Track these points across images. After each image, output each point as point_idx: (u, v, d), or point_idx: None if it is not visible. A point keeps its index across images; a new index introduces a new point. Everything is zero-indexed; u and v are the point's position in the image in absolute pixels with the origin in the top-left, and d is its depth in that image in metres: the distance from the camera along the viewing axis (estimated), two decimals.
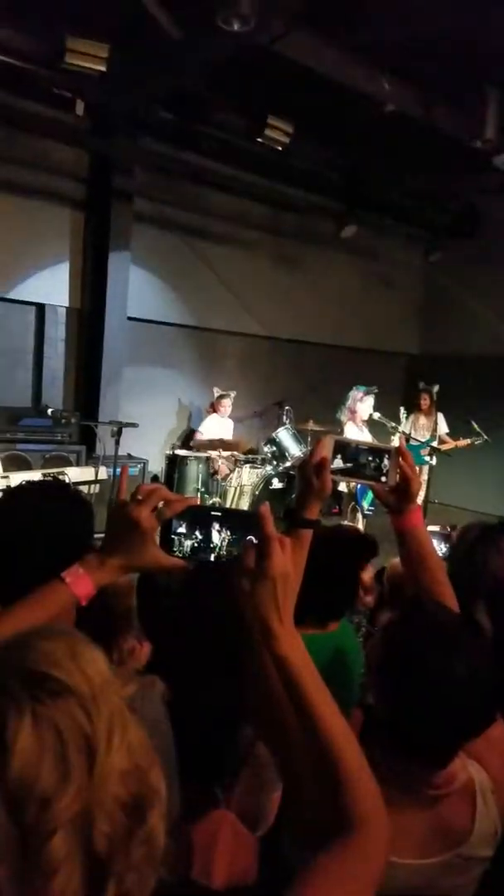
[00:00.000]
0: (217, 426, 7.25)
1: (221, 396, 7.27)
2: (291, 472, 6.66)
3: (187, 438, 7.68)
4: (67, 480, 4.01)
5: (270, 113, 6.09)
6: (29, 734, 0.56)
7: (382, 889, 0.85)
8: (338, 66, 5.38)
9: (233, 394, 7.32)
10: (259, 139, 6.15)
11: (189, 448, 7.11)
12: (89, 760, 0.58)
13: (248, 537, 1.00)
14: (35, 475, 3.94)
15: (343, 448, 1.39)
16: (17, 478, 3.74)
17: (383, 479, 1.39)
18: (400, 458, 1.38)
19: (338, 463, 1.38)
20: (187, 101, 5.86)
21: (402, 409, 7.48)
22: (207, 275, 7.68)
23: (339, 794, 0.86)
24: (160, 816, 0.63)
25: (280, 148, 6.28)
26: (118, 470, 5.06)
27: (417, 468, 1.45)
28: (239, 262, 7.96)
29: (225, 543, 1.05)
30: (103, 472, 4.38)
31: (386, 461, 1.39)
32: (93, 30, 4.88)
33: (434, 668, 1.10)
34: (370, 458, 1.40)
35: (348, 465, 1.40)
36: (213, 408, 7.36)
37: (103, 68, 4.89)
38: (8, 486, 3.59)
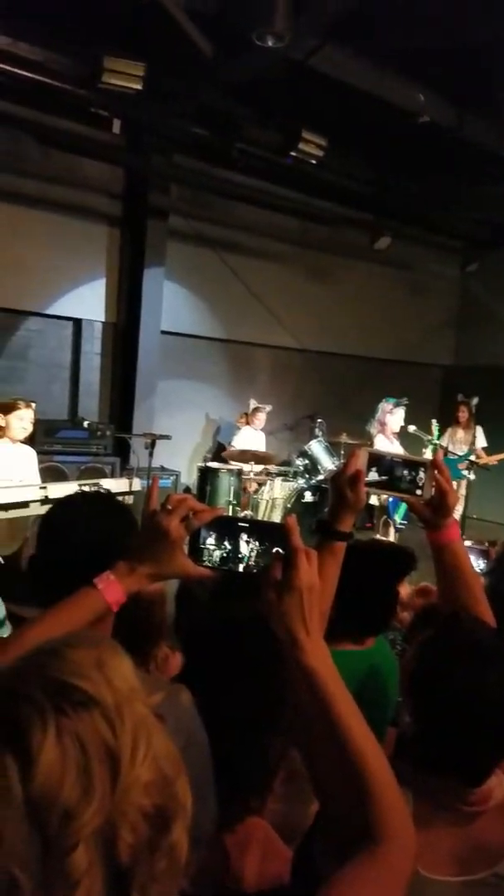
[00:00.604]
0: (250, 438, 7.26)
1: (257, 409, 7.27)
2: (324, 486, 6.62)
3: (219, 451, 7.71)
4: (103, 491, 4.06)
5: (304, 127, 6.14)
6: (52, 746, 0.56)
7: None
8: (372, 80, 5.40)
9: (268, 407, 7.32)
10: (293, 153, 6.20)
11: (221, 460, 7.12)
12: (113, 773, 0.58)
13: (276, 549, 0.99)
14: (71, 486, 4.00)
15: (377, 461, 1.37)
16: (55, 489, 3.80)
17: (418, 492, 1.36)
18: (435, 471, 1.35)
19: (372, 475, 1.36)
20: (221, 117, 5.94)
21: (434, 422, 7.37)
22: (240, 288, 7.73)
23: (364, 806, 0.85)
24: (184, 828, 0.62)
25: (314, 161, 6.32)
26: (164, 481, 5.12)
27: (455, 483, 1.42)
28: (272, 276, 8.01)
29: (253, 554, 1.04)
30: (137, 484, 4.43)
31: (421, 474, 1.37)
32: (129, 49, 5.00)
33: (470, 684, 1.08)
34: (405, 471, 1.38)
35: (383, 477, 1.38)
36: (247, 420, 7.35)
37: (139, 87, 5.01)
38: (45, 496, 3.66)
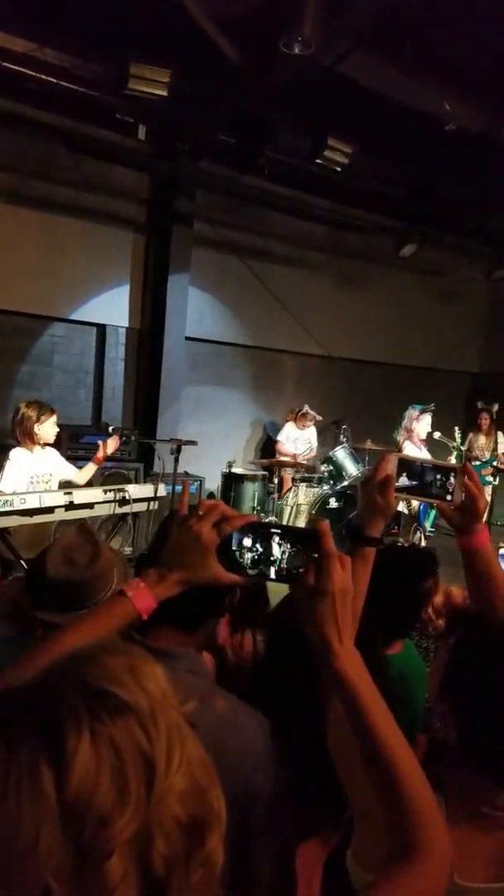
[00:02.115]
0: (294, 436, 7.35)
1: (305, 414, 7.33)
2: (348, 492, 6.58)
3: (258, 452, 7.76)
4: (128, 497, 4.07)
5: (330, 133, 6.15)
6: (87, 752, 0.55)
7: None
8: (399, 86, 5.39)
9: (319, 417, 7.40)
10: (318, 160, 6.21)
11: (252, 464, 7.18)
12: (148, 780, 0.57)
13: (308, 556, 0.99)
14: (96, 492, 4.02)
15: (408, 466, 1.37)
16: (80, 494, 3.82)
17: (448, 497, 1.36)
18: (465, 477, 1.35)
19: (403, 481, 1.36)
20: (248, 123, 5.97)
21: (456, 429, 7.30)
22: (266, 295, 7.74)
23: (400, 816, 0.85)
24: (219, 838, 0.61)
25: (339, 169, 6.32)
26: (178, 487, 5.12)
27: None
28: (299, 283, 8.01)
29: (285, 557, 1.04)
30: (162, 490, 4.43)
31: (451, 479, 1.37)
32: (155, 56, 5.05)
33: (500, 683, 1.07)
34: (436, 477, 1.38)
35: (413, 483, 1.38)
36: (295, 418, 7.41)
37: (165, 93, 5.06)
38: (70, 502, 3.67)
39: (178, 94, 5.22)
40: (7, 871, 0.52)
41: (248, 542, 1.05)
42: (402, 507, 5.78)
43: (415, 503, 5.70)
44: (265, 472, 6.95)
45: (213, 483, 7.39)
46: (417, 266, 8.54)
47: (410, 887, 0.82)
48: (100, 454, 4.25)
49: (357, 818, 0.99)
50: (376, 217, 7.96)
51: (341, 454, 6.78)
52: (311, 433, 7.46)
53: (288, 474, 6.86)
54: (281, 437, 7.40)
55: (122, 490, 4.09)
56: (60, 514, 3.67)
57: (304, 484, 6.74)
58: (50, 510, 3.63)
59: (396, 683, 1.74)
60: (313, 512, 6.55)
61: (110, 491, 4.04)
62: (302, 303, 7.97)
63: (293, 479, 6.83)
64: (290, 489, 6.74)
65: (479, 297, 9.68)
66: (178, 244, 6.93)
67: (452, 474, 1.37)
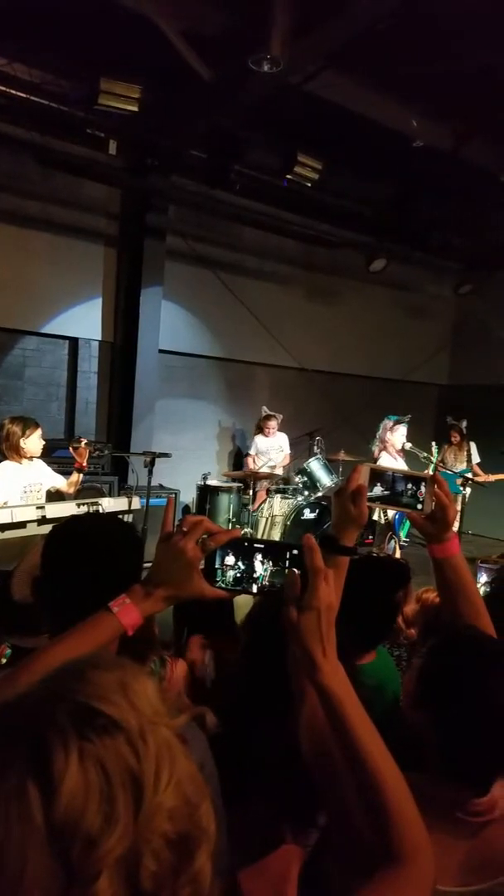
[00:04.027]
0: (268, 444, 7.31)
1: (268, 417, 7.28)
2: (323, 503, 6.62)
3: (232, 465, 7.74)
4: (101, 510, 4.04)
5: (300, 150, 6.24)
6: (75, 773, 0.55)
7: None
8: (368, 104, 5.51)
9: (280, 416, 7.34)
10: (289, 176, 6.30)
11: (227, 476, 7.15)
12: (136, 800, 0.56)
13: (293, 569, 1.00)
14: (69, 506, 3.98)
15: (379, 476, 1.39)
16: (53, 508, 3.78)
17: (419, 506, 1.38)
18: (435, 486, 1.37)
19: (376, 490, 1.38)
20: (219, 139, 6.03)
21: (433, 444, 7.43)
22: (240, 308, 7.79)
23: (385, 825, 0.86)
24: (208, 854, 0.61)
25: (309, 184, 6.41)
26: (154, 500, 5.10)
27: (453, 496, 1.45)
28: (271, 296, 8.08)
29: (268, 574, 1.06)
30: (136, 503, 4.40)
31: (422, 489, 1.39)
32: (126, 72, 5.09)
33: (472, 691, 1.10)
34: (407, 486, 1.41)
35: (385, 492, 1.39)
36: (260, 429, 7.37)
37: (135, 108, 5.09)
38: (43, 516, 3.64)
39: (148, 110, 5.26)
40: None
41: (230, 559, 1.06)
42: (377, 516, 5.83)
43: (390, 513, 5.76)
44: (240, 484, 6.96)
45: (188, 496, 7.37)
46: (387, 281, 8.69)
47: (396, 892, 0.83)
48: (80, 461, 4.25)
49: (333, 820, 1.00)
50: (346, 232, 8.08)
51: (315, 465, 6.82)
52: (281, 439, 7.42)
53: (262, 487, 6.86)
54: (252, 451, 7.36)
55: (96, 504, 4.05)
56: (33, 529, 3.62)
57: (278, 495, 6.76)
58: (22, 525, 3.58)
59: (372, 692, 1.75)
60: (288, 523, 6.57)
61: (84, 504, 4.00)
62: (275, 316, 8.04)
63: (268, 491, 6.85)
64: (264, 501, 6.75)
65: (447, 311, 9.89)
66: (151, 258, 6.95)
67: (423, 483, 1.40)
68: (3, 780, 0.54)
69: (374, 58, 5.03)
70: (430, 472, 1.48)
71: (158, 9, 4.46)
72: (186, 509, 7.02)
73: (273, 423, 7.30)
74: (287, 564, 1.06)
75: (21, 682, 0.68)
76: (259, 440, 7.34)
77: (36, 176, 6.37)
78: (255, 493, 6.73)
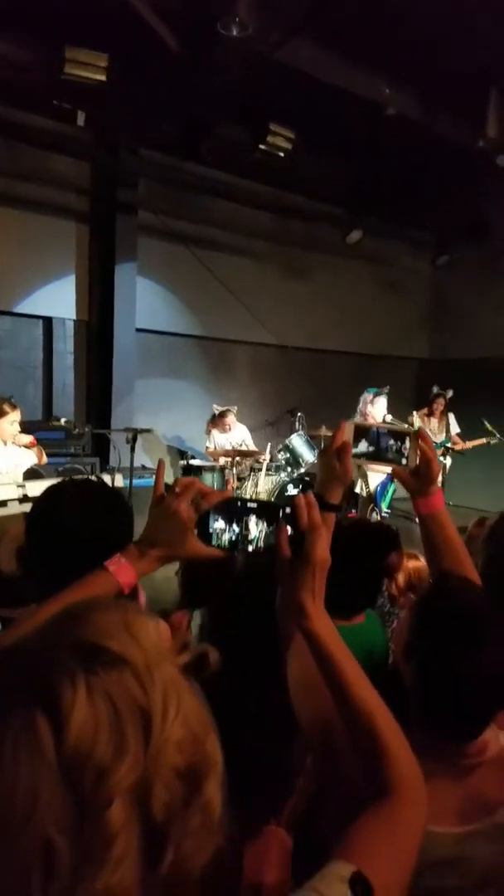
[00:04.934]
0: (224, 439, 7.05)
1: (223, 413, 6.94)
2: (306, 478, 6.64)
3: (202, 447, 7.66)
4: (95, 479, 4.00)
5: (272, 121, 6.14)
6: (83, 706, 0.56)
7: (420, 857, 0.87)
8: (337, 72, 5.43)
9: (234, 408, 7.07)
10: (262, 146, 6.20)
11: (209, 455, 7.05)
12: (145, 731, 0.58)
13: (282, 522, 1.03)
14: (51, 483, 3.93)
15: (364, 432, 1.40)
16: (33, 487, 3.73)
17: (404, 461, 1.39)
18: (420, 441, 1.38)
19: (360, 448, 1.38)
20: (189, 111, 5.92)
21: (415, 413, 7.47)
22: (216, 285, 7.71)
23: (375, 759, 0.89)
24: (217, 785, 0.62)
25: (282, 154, 6.33)
26: (137, 480, 5.06)
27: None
28: (247, 272, 8.00)
29: (262, 535, 1.07)
30: (119, 481, 4.38)
31: (407, 444, 1.40)
32: (92, 41, 4.95)
33: (461, 641, 1.12)
34: (391, 442, 1.41)
35: (370, 448, 1.40)
36: (215, 425, 7.00)
37: (103, 78, 4.97)
38: (24, 495, 3.59)
39: (116, 80, 5.13)
40: (8, 827, 0.53)
41: (221, 524, 1.07)
42: (358, 488, 5.86)
43: (372, 485, 5.79)
44: (223, 463, 6.93)
45: (170, 476, 7.33)
46: (364, 254, 8.66)
47: (392, 822, 0.85)
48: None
49: (325, 774, 1.01)
50: (321, 205, 8.01)
51: (297, 441, 6.82)
52: (241, 433, 7.09)
53: (231, 476, 6.57)
54: (209, 445, 7.07)
55: (95, 475, 4.02)
56: (14, 508, 3.57)
57: (262, 472, 6.76)
58: (3, 504, 3.53)
59: (359, 653, 1.77)
60: (272, 500, 6.58)
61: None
62: (251, 292, 7.98)
63: (251, 469, 6.84)
64: (248, 477, 6.75)
65: (425, 284, 9.88)
66: (123, 234, 6.84)
67: (407, 439, 1.40)
68: (11, 717, 0.55)
69: (343, 25, 4.95)
70: (415, 427, 1.48)
71: None
72: (168, 489, 6.98)
73: (230, 419, 6.96)
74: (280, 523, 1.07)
75: (22, 632, 0.68)
76: (216, 435, 7.02)
77: (1, 150, 6.19)
78: (224, 481, 6.61)
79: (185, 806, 0.59)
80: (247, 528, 1.04)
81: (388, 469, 1.50)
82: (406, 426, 6.10)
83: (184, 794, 0.59)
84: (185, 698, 0.62)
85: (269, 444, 6.98)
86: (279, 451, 6.92)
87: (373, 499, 5.93)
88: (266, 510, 1.03)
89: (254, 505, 1.05)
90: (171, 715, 0.59)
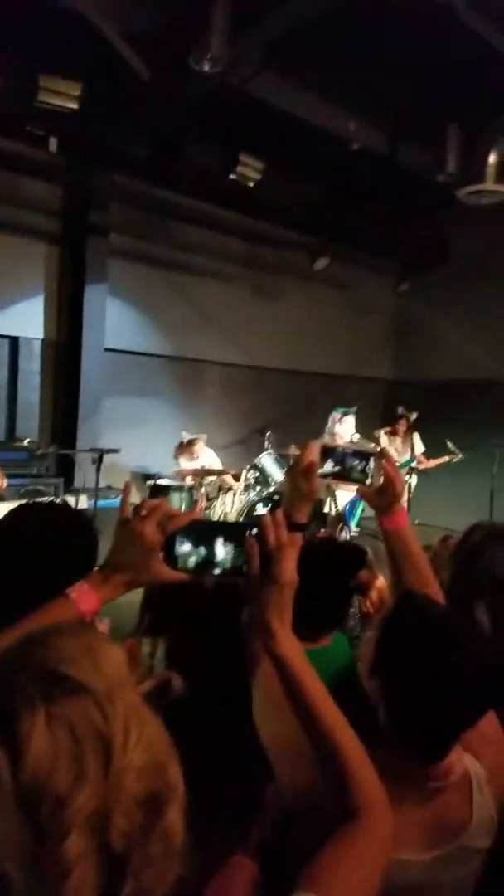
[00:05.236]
0: (196, 465, 6.91)
1: (191, 442, 6.86)
2: (275, 497, 6.67)
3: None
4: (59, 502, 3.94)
5: (242, 150, 6.28)
6: (42, 734, 0.55)
7: (388, 885, 0.85)
8: (305, 107, 5.60)
9: (204, 436, 6.99)
10: (231, 175, 6.33)
11: (178, 474, 7.00)
12: (105, 759, 0.57)
13: (251, 544, 1.00)
14: (13, 506, 3.87)
15: (330, 452, 1.42)
16: None
17: (368, 480, 1.42)
18: (383, 461, 1.41)
19: (327, 467, 1.41)
20: (161, 137, 6.01)
21: (382, 432, 7.61)
22: (186, 306, 7.76)
23: (342, 783, 0.88)
24: (178, 811, 0.62)
25: (251, 184, 6.46)
26: (111, 501, 4.99)
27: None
28: (218, 294, 8.08)
29: (230, 557, 1.06)
30: (84, 502, 4.34)
31: (371, 464, 1.43)
32: (66, 69, 5.01)
33: (425, 659, 1.11)
34: (356, 462, 1.44)
35: (336, 468, 1.43)
36: (184, 452, 6.88)
37: (76, 105, 5.02)
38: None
39: (89, 107, 5.19)
40: None
41: (187, 547, 1.04)
42: (327, 507, 5.92)
43: (340, 503, 5.86)
44: (192, 483, 6.91)
45: (137, 497, 7.28)
46: (331, 279, 8.84)
47: (356, 847, 0.85)
48: None
49: (287, 786, 1.01)
50: (290, 232, 8.17)
51: (267, 460, 6.86)
52: (208, 458, 6.99)
53: (201, 496, 6.53)
54: (177, 470, 6.96)
55: (53, 497, 3.97)
56: None
57: (231, 491, 6.77)
58: None
59: (326, 675, 1.78)
60: (241, 519, 6.58)
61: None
62: (222, 314, 8.05)
63: (220, 488, 6.84)
64: (217, 497, 6.75)
65: (388, 308, 10.13)
66: (94, 256, 6.85)
67: (371, 459, 1.44)
68: None
69: (312, 60, 5.12)
70: (378, 447, 1.53)
71: (96, 8, 4.41)
72: (137, 510, 6.92)
73: (198, 447, 6.88)
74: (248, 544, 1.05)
75: None
76: (184, 462, 6.92)
77: None
78: (193, 501, 6.54)
79: (146, 834, 0.58)
80: (213, 551, 1.02)
81: (355, 488, 1.53)
82: (372, 445, 6.22)
83: (144, 822, 0.58)
84: (146, 725, 0.62)
85: (247, 466, 6.98)
86: (249, 471, 6.95)
87: (342, 517, 5.99)
88: (233, 531, 1.03)
89: (221, 526, 1.05)
90: (131, 742, 0.59)
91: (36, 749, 0.55)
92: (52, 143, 5.75)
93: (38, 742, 0.55)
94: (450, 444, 7.00)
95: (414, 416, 7.71)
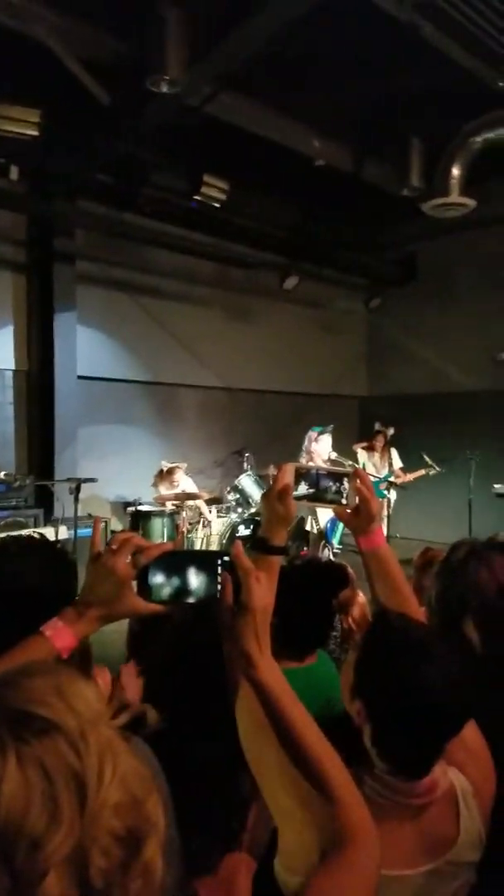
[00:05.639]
0: (174, 491, 6.87)
1: (171, 470, 6.81)
2: (257, 518, 6.63)
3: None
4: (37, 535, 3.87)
5: (207, 171, 6.33)
6: (14, 776, 0.55)
7: None
8: (267, 125, 5.66)
9: (184, 465, 6.96)
10: (197, 197, 6.37)
11: (157, 500, 6.94)
12: (80, 797, 0.57)
13: (223, 573, 1.02)
14: None
15: (304, 475, 1.42)
16: None
17: (344, 501, 1.42)
18: (357, 481, 1.41)
19: (302, 489, 1.41)
20: (124, 162, 6.03)
21: (359, 450, 7.64)
22: (158, 330, 7.76)
23: (328, 812, 0.88)
24: (157, 846, 0.61)
25: (217, 205, 6.50)
26: (81, 530, 4.94)
27: (379, 501, 1.49)
28: (189, 317, 8.11)
29: (204, 586, 1.06)
30: (64, 532, 4.27)
31: (346, 485, 1.43)
32: (24, 97, 5.01)
33: (403, 679, 1.13)
34: (330, 483, 1.44)
35: (310, 490, 1.42)
36: (164, 480, 6.83)
37: (35, 133, 5.03)
38: None
39: (49, 134, 5.19)
40: None
41: (160, 578, 1.04)
42: (308, 526, 5.90)
43: (322, 522, 5.84)
44: (172, 508, 6.85)
45: (118, 524, 7.20)
46: (302, 298, 8.93)
47: (345, 878, 0.85)
48: None
49: (277, 820, 0.99)
50: (258, 252, 8.24)
51: (246, 481, 6.84)
52: (186, 484, 6.92)
53: (183, 519, 6.44)
54: (155, 497, 6.90)
55: (32, 531, 3.89)
56: None
57: (212, 515, 6.72)
58: None
59: (313, 695, 1.75)
60: (224, 542, 6.54)
61: (9, 537, 3.82)
62: (194, 336, 8.07)
63: (200, 513, 6.79)
64: (198, 521, 6.69)
65: (360, 326, 10.26)
66: (61, 283, 6.83)
67: (346, 480, 1.43)
68: None
69: (271, 79, 5.19)
70: (352, 468, 1.52)
71: (54, 34, 4.43)
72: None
73: (178, 475, 6.84)
74: (220, 572, 1.05)
75: None
76: (164, 489, 6.87)
77: None
78: (175, 526, 6.48)
79: (125, 871, 0.57)
80: (187, 580, 1.03)
81: (331, 509, 1.52)
82: (347, 465, 6.22)
83: (123, 858, 0.57)
84: (122, 760, 0.61)
85: (227, 488, 6.94)
86: (229, 493, 6.91)
87: (324, 535, 5.98)
88: (205, 559, 1.03)
89: (193, 555, 1.05)
90: (106, 778, 0.58)
91: (8, 791, 0.54)
92: (14, 172, 5.74)
93: (11, 784, 0.55)
94: (426, 458, 7.05)
95: (391, 431, 7.78)
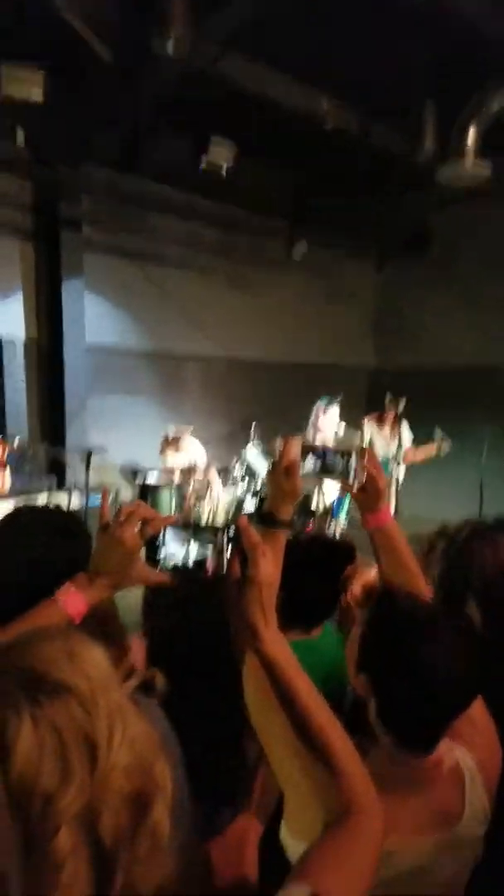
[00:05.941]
0: (181, 460, 6.70)
1: (177, 437, 6.65)
2: (262, 493, 6.63)
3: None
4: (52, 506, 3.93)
5: (213, 134, 6.19)
6: (28, 736, 0.57)
7: (384, 871, 0.91)
8: (275, 87, 5.51)
9: (190, 427, 6.84)
10: (204, 160, 6.24)
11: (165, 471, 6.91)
12: (91, 758, 0.59)
13: (232, 547, 1.04)
14: (6, 505, 3.84)
15: (311, 448, 1.42)
16: None
17: (351, 478, 1.42)
18: (364, 459, 1.42)
19: (309, 463, 1.42)
20: (129, 125, 5.91)
21: (365, 420, 7.54)
22: (164, 299, 7.68)
23: (331, 781, 0.90)
24: (165, 809, 0.64)
25: (223, 169, 6.37)
26: (95, 499, 4.98)
27: (387, 479, 1.50)
28: (194, 286, 8.01)
29: (210, 556, 1.07)
30: (76, 499, 4.31)
31: (353, 461, 1.43)
32: (28, 58, 4.90)
33: (409, 655, 1.14)
34: (338, 460, 1.45)
35: (318, 465, 1.43)
36: (170, 446, 6.66)
37: (40, 98, 4.92)
38: None
39: (54, 98, 5.08)
40: None
41: (167, 548, 1.07)
42: (315, 501, 5.89)
43: (328, 499, 5.83)
44: (180, 481, 6.84)
45: (127, 494, 7.24)
46: (309, 266, 8.78)
47: (349, 842, 0.87)
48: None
49: (283, 787, 1.01)
50: (265, 218, 8.09)
51: (252, 454, 6.82)
52: (195, 452, 6.77)
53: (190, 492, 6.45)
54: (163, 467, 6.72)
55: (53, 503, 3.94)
56: None
57: (219, 486, 6.71)
58: None
59: (321, 666, 1.78)
60: (230, 514, 6.55)
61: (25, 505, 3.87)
62: (199, 305, 7.99)
63: (208, 484, 6.77)
64: (206, 493, 6.68)
65: (369, 293, 10.08)
66: (69, 250, 6.74)
67: (353, 455, 1.43)
68: None
69: (280, 40, 5.03)
70: (360, 445, 1.52)
71: None
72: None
73: (184, 441, 6.67)
74: (225, 544, 1.07)
75: None
76: (169, 457, 6.68)
77: None
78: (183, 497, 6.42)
79: (134, 831, 0.60)
80: (191, 550, 1.07)
81: (339, 482, 1.53)
82: (357, 440, 6.17)
83: (132, 819, 0.60)
84: (131, 724, 0.63)
85: (233, 459, 6.89)
86: (235, 465, 6.88)
87: (330, 511, 5.97)
88: (210, 531, 1.05)
89: (200, 528, 1.07)
90: (116, 741, 0.60)
91: (23, 750, 0.57)
92: (20, 136, 5.64)
93: (25, 743, 0.57)
94: (439, 432, 6.91)
95: (402, 404, 7.58)
